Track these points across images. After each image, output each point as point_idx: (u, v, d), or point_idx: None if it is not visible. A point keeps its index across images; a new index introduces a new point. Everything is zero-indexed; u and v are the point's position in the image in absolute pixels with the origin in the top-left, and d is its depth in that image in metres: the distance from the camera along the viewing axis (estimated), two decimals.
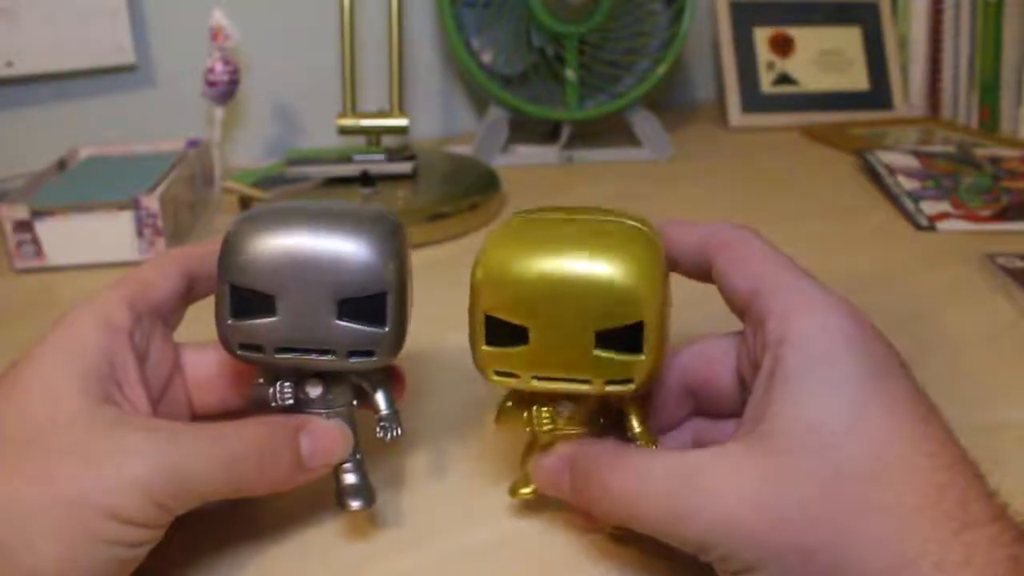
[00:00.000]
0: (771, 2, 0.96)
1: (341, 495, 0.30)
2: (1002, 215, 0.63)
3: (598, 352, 0.27)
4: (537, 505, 0.33)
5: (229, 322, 0.28)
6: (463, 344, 0.46)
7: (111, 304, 0.28)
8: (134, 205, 0.56)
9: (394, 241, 0.28)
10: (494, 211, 0.66)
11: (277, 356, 0.28)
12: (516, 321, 0.27)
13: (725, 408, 0.30)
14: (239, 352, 0.28)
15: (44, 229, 0.55)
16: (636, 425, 0.30)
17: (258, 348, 0.28)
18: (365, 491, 0.30)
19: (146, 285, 0.30)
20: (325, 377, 0.30)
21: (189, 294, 0.31)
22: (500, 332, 0.27)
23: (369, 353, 0.28)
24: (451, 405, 0.40)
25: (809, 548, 0.22)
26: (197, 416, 0.32)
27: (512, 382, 0.28)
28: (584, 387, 0.27)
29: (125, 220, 0.56)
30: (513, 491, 0.31)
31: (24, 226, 0.55)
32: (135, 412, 0.27)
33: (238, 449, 0.27)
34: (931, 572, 0.21)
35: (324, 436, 0.29)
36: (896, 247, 0.59)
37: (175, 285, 0.30)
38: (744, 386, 0.28)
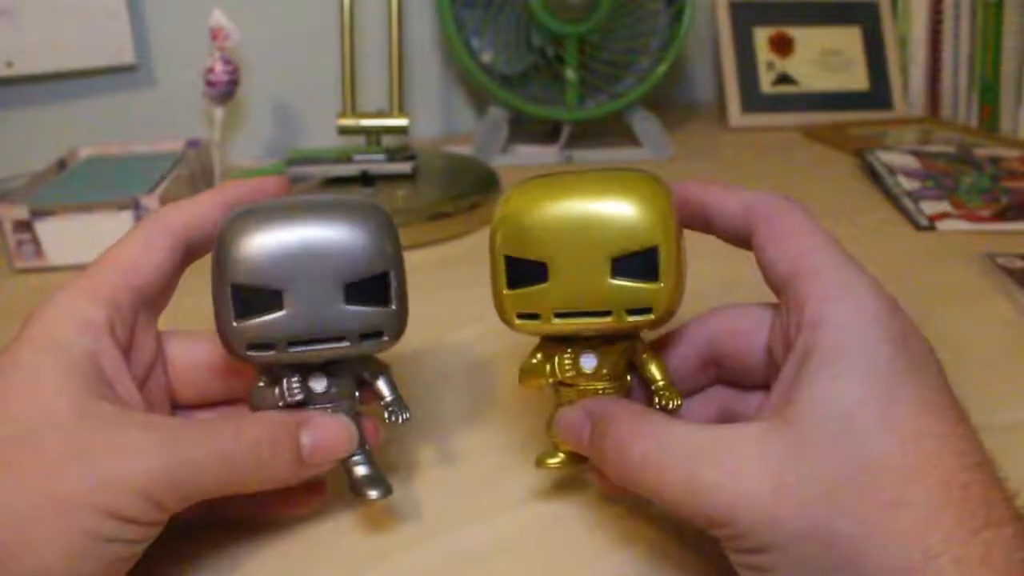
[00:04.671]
0: (771, 2, 0.96)
1: (357, 487, 0.29)
2: (1002, 215, 0.63)
3: (615, 281, 0.27)
4: (544, 498, 0.33)
5: (235, 324, 0.27)
6: (464, 342, 0.46)
7: (84, 301, 0.27)
8: (134, 205, 0.56)
9: (388, 223, 0.29)
10: (494, 211, 0.66)
11: (290, 351, 0.28)
12: (533, 257, 0.28)
13: (751, 379, 0.30)
14: (248, 353, 0.28)
15: (44, 229, 0.55)
16: (659, 378, 0.30)
17: (268, 346, 0.28)
18: (380, 481, 0.30)
19: (129, 267, 0.28)
20: (328, 370, 0.30)
21: (183, 264, 0.30)
22: (520, 274, 0.28)
23: (379, 334, 0.28)
24: (452, 404, 0.40)
25: (832, 534, 0.22)
26: (179, 406, 0.31)
27: (535, 324, 0.29)
28: (606, 320, 0.28)
29: (125, 220, 0.56)
30: (539, 462, 0.31)
31: (24, 226, 0.55)
32: (130, 408, 0.27)
33: (235, 448, 0.26)
34: (950, 569, 0.21)
35: (326, 431, 0.28)
36: (896, 247, 0.59)
37: (162, 261, 0.29)
38: (774, 361, 0.28)
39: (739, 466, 0.23)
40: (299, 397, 0.29)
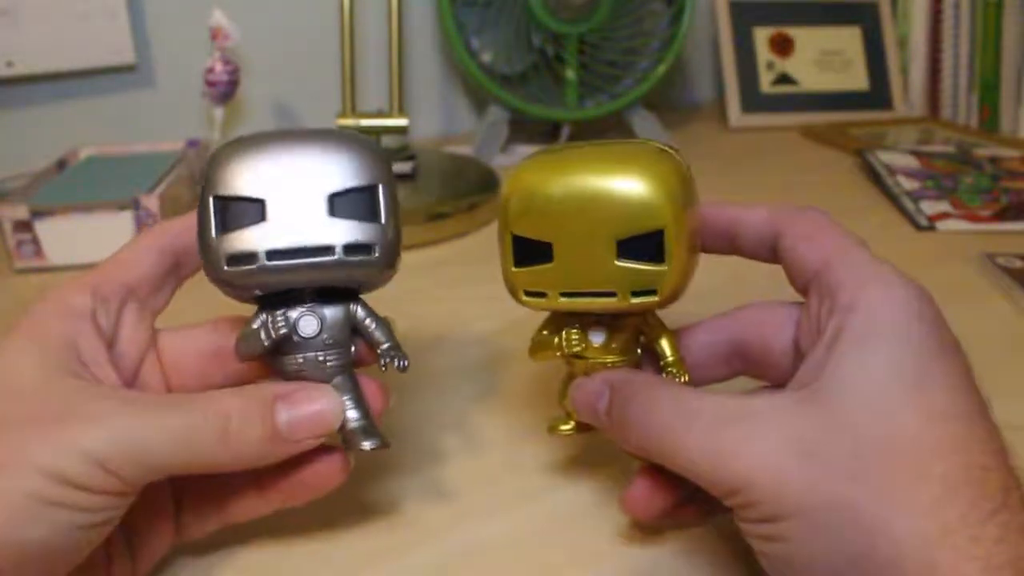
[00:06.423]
0: (771, 2, 0.96)
1: (350, 438, 0.28)
2: (1002, 215, 0.63)
3: (620, 263, 0.27)
4: (551, 494, 0.33)
5: (215, 237, 0.26)
6: (465, 341, 0.46)
7: (69, 291, 0.28)
8: (134, 205, 0.56)
9: (377, 147, 0.28)
10: (494, 211, 0.66)
11: (270, 263, 0.26)
12: (539, 237, 0.28)
13: (774, 375, 0.30)
14: (227, 268, 0.26)
15: (44, 229, 0.55)
16: (669, 353, 0.30)
17: (248, 258, 0.26)
18: (375, 431, 0.28)
19: (118, 266, 0.29)
20: (320, 314, 0.28)
21: (176, 271, 0.31)
22: (528, 252, 0.28)
23: (368, 248, 0.27)
24: (451, 403, 0.40)
25: (852, 502, 0.22)
26: None
27: (541, 302, 0.29)
28: (611, 300, 0.28)
29: (125, 220, 0.56)
30: (552, 428, 0.32)
31: (24, 226, 0.55)
32: (102, 384, 0.26)
33: (198, 419, 0.25)
34: (966, 545, 0.21)
35: (309, 404, 0.27)
36: (896, 247, 0.58)
37: (152, 262, 0.30)
38: (800, 356, 0.28)
39: (760, 431, 0.24)
40: (284, 331, 0.27)
